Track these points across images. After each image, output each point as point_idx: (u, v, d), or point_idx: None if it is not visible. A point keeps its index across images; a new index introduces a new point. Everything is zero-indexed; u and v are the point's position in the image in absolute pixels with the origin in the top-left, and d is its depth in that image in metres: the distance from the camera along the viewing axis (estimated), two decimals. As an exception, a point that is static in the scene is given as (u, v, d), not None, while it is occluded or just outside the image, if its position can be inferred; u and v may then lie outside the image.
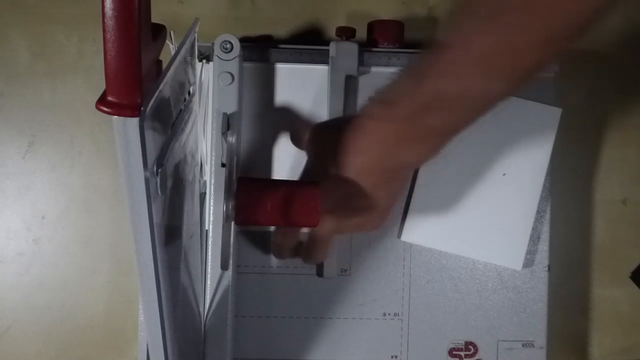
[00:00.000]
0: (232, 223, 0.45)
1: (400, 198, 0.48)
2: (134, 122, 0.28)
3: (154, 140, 0.32)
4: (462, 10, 0.38)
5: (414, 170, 0.52)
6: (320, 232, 0.46)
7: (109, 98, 0.28)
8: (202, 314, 0.48)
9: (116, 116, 0.28)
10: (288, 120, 0.52)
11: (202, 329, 0.48)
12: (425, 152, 0.42)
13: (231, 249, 0.48)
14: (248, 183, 0.44)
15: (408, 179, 0.47)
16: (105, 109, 0.28)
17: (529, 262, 0.53)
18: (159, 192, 0.33)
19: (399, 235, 0.53)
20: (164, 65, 0.35)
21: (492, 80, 0.38)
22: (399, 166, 0.43)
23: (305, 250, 0.48)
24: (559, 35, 0.36)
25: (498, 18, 0.36)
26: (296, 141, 0.51)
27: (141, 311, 0.49)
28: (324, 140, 0.46)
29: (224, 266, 0.44)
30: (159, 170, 0.33)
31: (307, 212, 0.42)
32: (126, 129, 0.28)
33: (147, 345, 0.47)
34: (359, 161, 0.42)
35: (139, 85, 0.28)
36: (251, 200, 0.42)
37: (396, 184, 0.45)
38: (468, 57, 0.37)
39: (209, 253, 0.49)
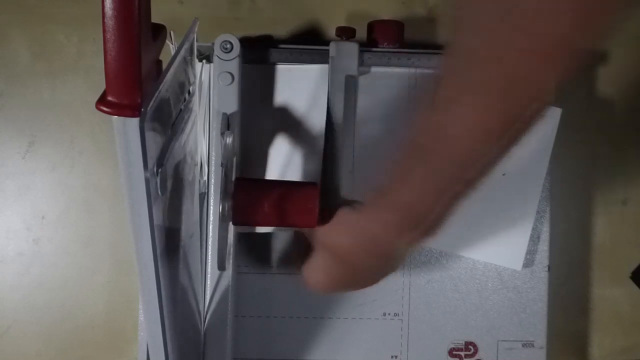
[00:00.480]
0: (230, 223, 0.45)
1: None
2: (134, 122, 0.28)
3: (154, 140, 0.32)
4: (437, 105, 0.35)
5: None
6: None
7: (109, 98, 0.28)
8: (202, 314, 0.48)
9: (116, 116, 0.28)
10: (288, 120, 0.52)
11: (202, 329, 0.48)
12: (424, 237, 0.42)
13: (231, 250, 0.48)
14: (246, 183, 0.44)
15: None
16: (105, 109, 0.28)
17: (529, 262, 0.53)
18: (159, 193, 0.33)
19: (399, 235, 0.53)
20: (164, 65, 0.35)
21: (475, 178, 0.38)
22: (396, 248, 0.42)
23: None
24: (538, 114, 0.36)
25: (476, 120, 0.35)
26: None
27: (141, 311, 0.49)
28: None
29: (221, 267, 0.44)
30: (159, 170, 0.33)
31: (304, 213, 0.42)
32: (126, 129, 0.28)
33: (147, 345, 0.47)
34: (362, 260, 0.41)
35: (139, 85, 0.28)
36: (250, 200, 0.42)
37: (396, 256, 0.45)
38: (454, 161, 0.36)
39: (209, 253, 0.49)
